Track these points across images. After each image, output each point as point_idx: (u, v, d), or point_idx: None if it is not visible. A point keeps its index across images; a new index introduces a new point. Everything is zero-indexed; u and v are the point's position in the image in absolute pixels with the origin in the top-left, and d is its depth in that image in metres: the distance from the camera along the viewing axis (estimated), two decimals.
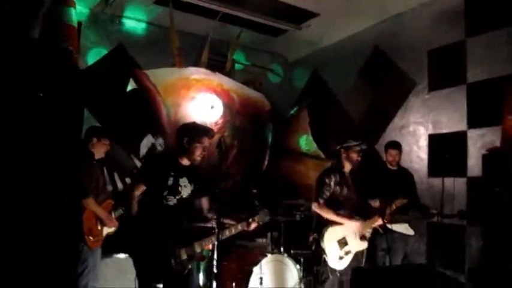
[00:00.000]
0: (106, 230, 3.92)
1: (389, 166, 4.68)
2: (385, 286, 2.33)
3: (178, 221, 3.33)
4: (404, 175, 4.74)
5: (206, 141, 3.31)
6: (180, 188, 3.29)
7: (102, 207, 3.88)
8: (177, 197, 3.28)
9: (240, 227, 3.46)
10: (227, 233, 3.38)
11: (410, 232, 4.43)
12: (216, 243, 3.25)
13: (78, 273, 3.65)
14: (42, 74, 2.62)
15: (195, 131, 3.36)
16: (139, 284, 3.27)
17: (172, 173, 3.27)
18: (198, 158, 3.33)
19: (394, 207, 3.93)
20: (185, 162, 3.36)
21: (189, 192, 3.36)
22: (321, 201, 3.81)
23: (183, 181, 3.33)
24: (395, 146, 4.76)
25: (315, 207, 3.84)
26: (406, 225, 4.38)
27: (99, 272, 4.00)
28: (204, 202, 3.52)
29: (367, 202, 3.99)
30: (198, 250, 3.32)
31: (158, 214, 3.23)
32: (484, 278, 4.04)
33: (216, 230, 3.18)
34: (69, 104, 2.66)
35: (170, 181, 3.25)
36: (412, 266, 4.05)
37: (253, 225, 3.53)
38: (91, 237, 3.75)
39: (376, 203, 4.03)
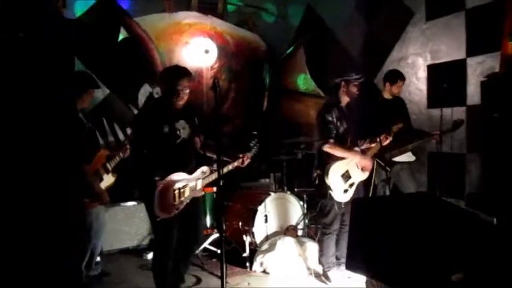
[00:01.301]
0: (105, 184, 3.71)
1: (386, 96, 4.58)
2: (384, 214, 2.38)
3: (185, 160, 3.41)
4: (398, 102, 4.66)
5: (185, 83, 3.31)
6: (178, 132, 3.33)
7: (96, 160, 3.63)
8: (178, 141, 3.33)
9: (235, 164, 3.57)
10: (225, 170, 3.45)
11: (412, 158, 4.48)
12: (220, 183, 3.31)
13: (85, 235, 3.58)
14: (23, 16, 2.52)
15: (177, 73, 3.36)
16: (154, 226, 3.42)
17: (166, 119, 3.30)
18: (184, 99, 3.35)
19: (391, 133, 3.90)
20: (177, 105, 3.37)
21: (188, 133, 3.41)
22: (332, 140, 3.77)
23: (180, 124, 3.37)
24: (402, 77, 4.59)
25: (327, 147, 3.76)
26: (409, 153, 4.43)
27: (108, 217, 4.08)
28: (196, 140, 3.58)
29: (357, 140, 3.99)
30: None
31: (165, 157, 3.30)
32: (483, 202, 4.15)
33: (216, 168, 3.23)
34: (57, 52, 2.60)
35: (166, 128, 3.27)
36: (412, 194, 4.12)
37: (246, 161, 3.63)
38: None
39: (364, 144, 4.00)
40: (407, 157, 4.43)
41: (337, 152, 3.77)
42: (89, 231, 3.59)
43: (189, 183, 3.35)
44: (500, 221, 3.54)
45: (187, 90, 3.33)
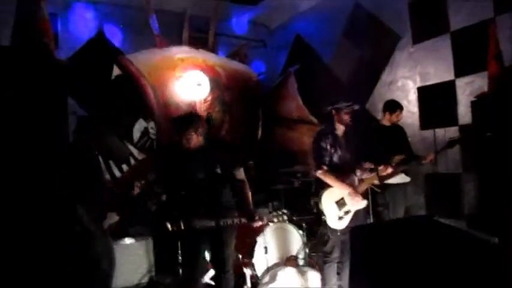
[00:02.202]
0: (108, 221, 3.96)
1: (385, 123, 4.66)
2: (384, 241, 2.35)
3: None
4: (398, 130, 4.74)
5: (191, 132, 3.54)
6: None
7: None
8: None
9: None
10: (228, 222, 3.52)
11: (407, 179, 4.46)
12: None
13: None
14: (21, 75, 2.58)
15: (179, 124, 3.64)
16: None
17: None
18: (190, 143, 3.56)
19: (392, 164, 3.96)
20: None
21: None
22: (324, 167, 3.79)
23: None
24: (401, 107, 4.71)
25: (319, 174, 3.80)
26: (402, 174, 4.40)
27: None
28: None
29: (360, 163, 3.98)
30: None
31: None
32: (483, 222, 4.13)
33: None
34: (51, 97, 2.64)
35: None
36: (411, 218, 4.10)
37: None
38: None
39: (368, 165, 4.01)
40: (400, 178, 4.40)
41: (328, 179, 3.77)
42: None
43: None
44: (502, 241, 3.51)
45: (190, 136, 3.53)
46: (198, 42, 6.20)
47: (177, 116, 4.12)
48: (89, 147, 3.84)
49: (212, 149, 3.65)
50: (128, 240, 4.80)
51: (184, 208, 3.44)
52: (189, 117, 3.73)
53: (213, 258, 3.64)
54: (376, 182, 3.88)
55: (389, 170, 3.92)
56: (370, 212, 4.10)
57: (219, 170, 3.52)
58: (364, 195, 3.88)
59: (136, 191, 3.93)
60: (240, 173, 3.70)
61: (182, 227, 3.35)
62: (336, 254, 3.84)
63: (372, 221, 4.14)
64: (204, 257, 3.61)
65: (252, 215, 3.57)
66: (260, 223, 3.63)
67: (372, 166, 3.92)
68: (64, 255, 3.58)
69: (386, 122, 4.67)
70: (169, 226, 3.34)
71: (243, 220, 3.52)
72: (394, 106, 4.67)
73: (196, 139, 3.57)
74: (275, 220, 3.84)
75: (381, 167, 3.84)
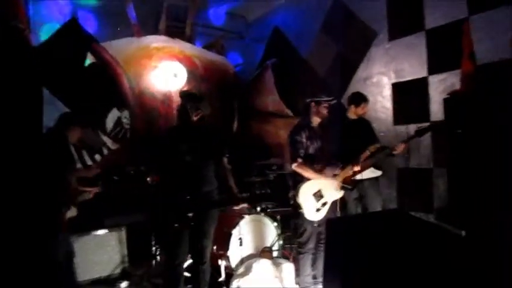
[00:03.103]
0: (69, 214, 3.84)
1: (351, 117, 4.64)
2: (357, 233, 2.41)
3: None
4: (364, 123, 4.74)
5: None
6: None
7: (68, 192, 3.81)
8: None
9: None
10: None
11: (378, 173, 4.48)
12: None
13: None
14: None
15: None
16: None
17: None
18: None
19: (368, 153, 4.01)
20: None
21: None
22: (300, 160, 3.82)
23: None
24: (366, 99, 4.68)
25: (295, 167, 3.84)
26: (372, 168, 4.38)
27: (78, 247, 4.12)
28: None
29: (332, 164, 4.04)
30: None
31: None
32: (451, 216, 4.25)
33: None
34: (26, 84, 2.56)
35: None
36: (384, 211, 4.19)
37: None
38: None
39: (337, 170, 4.01)
40: (371, 172, 4.40)
41: (304, 172, 3.81)
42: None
43: None
44: (469, 234, 3.63)
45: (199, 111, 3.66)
46: (175, 32, 6.13)
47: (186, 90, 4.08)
48: (62, 136, 3.76)
49: (206, 132, 3.67)
50: (100, 231, 4.75)
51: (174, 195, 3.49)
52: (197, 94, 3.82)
53: (190, 248, 3.60)
54: (350, 174, 3.94)
55: (356, 168, 3.96)
56: (338, 206, 4.14)
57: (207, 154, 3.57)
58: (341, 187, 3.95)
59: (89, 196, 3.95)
60: (224, 161, 3.74)
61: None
62: (311, 245, 3.89)
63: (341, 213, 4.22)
64: (185, 244, 3.59)
65: (237, 197, 3.61)
66: (244, 205, 3.68)
67: (340, 165, 3.98)
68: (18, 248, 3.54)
69: (352, 115, 4.62)
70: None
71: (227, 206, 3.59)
72: (359, 99, 4.63)
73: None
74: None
75: (349, 166, 3.92)
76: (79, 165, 4.96)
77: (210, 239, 3.60)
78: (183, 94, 3.79)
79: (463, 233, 3.68)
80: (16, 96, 2.51)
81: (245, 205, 3.81)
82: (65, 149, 3.85)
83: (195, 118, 3.60)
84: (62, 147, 3.82)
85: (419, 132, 4.19)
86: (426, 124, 4.48)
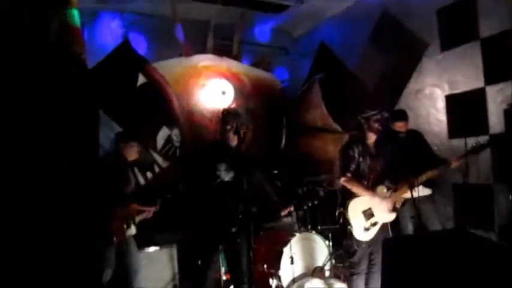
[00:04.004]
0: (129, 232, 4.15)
1: (398, 132, 4.50)
2: (416, 254, 2.30)
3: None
4: (413, 138, 4.58)
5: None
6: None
7: (128, 211, 4.11)
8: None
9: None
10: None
11: (427, 192, 4.29)
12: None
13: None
14: (56, 82, 2.62)
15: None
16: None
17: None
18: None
19: (424, 177, 3.86)
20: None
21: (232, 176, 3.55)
22: (349, 174, 3.74)
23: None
24: (401, 117, 4.53)
25: (343, 181, 3.75)
26: (421, 187, 4.06)
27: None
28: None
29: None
30: None
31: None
32: None
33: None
34: (84, 107, 2.67)
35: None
36: (443, 230, 4.00)
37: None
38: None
39: (386, 191, 3.79)
40: (422, 189, 4.12)
41: (353, 187, 3.71)
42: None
43: None
44: None
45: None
46: (222, 50, 6.23)
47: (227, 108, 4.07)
48: (120, 157, 3.91)
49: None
50: (152, 248, 4.82)
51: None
52: (238, 112, 3.78)
53: (230, 269, 3.62)
54: (407, 195, 3.76)
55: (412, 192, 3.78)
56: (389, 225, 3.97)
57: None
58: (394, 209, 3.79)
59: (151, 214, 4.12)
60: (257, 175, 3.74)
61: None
62: (363, 266, 3.76)
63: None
64: (218, 261, 3.60)
65: (277, 204, 3.59)
66: (288, 209, 3.64)
67: (390, 186, 3.81)
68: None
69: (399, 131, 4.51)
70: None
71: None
72: (398, 117, 4.53)
73: (239, 137, 3.56)
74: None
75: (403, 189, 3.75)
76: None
77: (248, 258, 3.52)
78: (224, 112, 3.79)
79: None
80: (76, 118, 2.62)
81: (290, 209, 3.76)
82: (124, 169, 4.00)
83: (241, 135, 3.56)
84: (122, 167, 3.99)
85: (476, 149, 3.99)
86: (484, 138, 4.24)
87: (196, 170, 3.68)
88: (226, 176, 3.48)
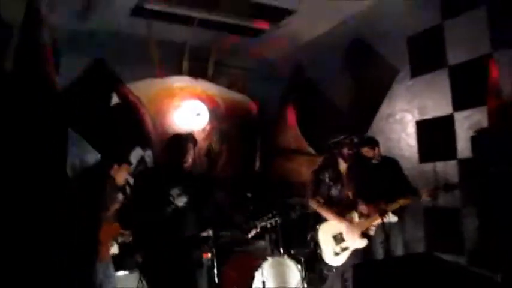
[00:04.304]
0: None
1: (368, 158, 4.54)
2: (386, 278, 2.31)
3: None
4: (387, 165, 4.64)
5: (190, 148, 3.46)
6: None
7: (111, 229, 4.00)
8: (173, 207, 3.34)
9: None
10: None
11: (394, 219, 4.25)
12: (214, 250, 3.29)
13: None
14: (21, 104, 2.55)
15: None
16: None
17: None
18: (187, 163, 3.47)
19: (397, 205, 3.85)
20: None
21: (185, 201, 3.38)
22: (318, 198, 3.75)
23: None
24: (369, 143, 4.58)
25: (312, 204, 3.77)
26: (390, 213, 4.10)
27: None
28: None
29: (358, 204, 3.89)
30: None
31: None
32: (484, 259, 4.06)
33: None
34: (51, 127, 2.61)
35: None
36: (415, 255, 4.02)
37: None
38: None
39: (364, 209, 3.84)
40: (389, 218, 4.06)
41: (323, 212, 3.72)
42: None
43: None
44: (505, 279, 3.44)
45: (189, 154, 3.47)
46: (197, 72, 6.24)
47: (174, 135, 3.92)
48: (107, 178, 3.83)
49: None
50: (120, 272, 4.68)
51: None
52: (188, 135, 3.67)
53: None
54: (378, 222, 3.76)
55: (384, 219, 3.78)
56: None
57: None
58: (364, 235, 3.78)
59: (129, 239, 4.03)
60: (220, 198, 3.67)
61: None
62: None
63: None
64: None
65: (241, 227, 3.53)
66: (254, 232, 3.59)
67: (366, 211, 3.81)
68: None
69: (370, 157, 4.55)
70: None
71: None
72: (366, 142, 4.58)
73: (192, 159, 3.46)
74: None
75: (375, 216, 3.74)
76: None
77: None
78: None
79: (499, 277, 3.50)
80: (41, 137, 2.56)
81: (256, 230, 3.72)
82: (113, 189, 3.91)
83: (185, 161, 3.44)
84: (111, 187, 3.90)
85: (448, 188, 4.04)
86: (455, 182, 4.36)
87: (149, 195, 3.40)
88: (180, 201, 3.35)
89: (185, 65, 6.14)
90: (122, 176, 4.15)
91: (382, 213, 3.65)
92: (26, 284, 3.07)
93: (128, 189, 5.32)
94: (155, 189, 3.31)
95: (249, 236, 3.58)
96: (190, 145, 3.46)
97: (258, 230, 4.03)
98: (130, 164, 4.24)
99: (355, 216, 3.79)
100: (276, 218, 3.81)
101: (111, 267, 3.96)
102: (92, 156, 4.88)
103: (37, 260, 3.20)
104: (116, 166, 4.09)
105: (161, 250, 3.24)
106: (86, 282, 3.56)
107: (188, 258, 3.33)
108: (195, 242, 3.41)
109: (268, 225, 3.80)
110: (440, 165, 4.71)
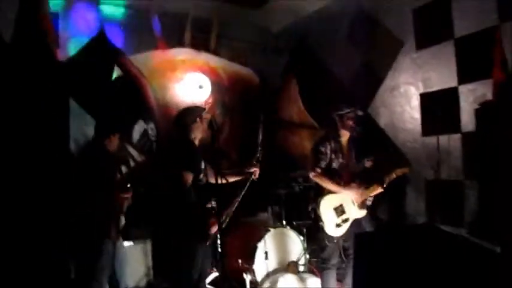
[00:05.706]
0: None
1: None
2: (387, 248, 2.33)
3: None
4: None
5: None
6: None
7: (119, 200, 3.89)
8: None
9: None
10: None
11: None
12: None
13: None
14: (21, 74, 2.53)
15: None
16: None
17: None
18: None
19: (394, 175, 3.88)
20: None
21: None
22: (318, 170, 3.78)
23: None
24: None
25: (312, 176, 3.81)
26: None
27: None
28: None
29: (363, 164, 3.93)
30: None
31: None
32: (484, 230, 4.10)
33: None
34: (52, 97, 2.60)
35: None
36: (417, 225, 4.06)
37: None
38: None
39: (369, 163, 3.93)
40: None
41: (324, 183, 3.74)
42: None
43: None
44: (504, 250, 3.48)
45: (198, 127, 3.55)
46: (199, 44, 6.17)
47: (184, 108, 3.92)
48: (103, 146, 3.80)
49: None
50: (125, 243, 4.75)
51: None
52: (198, 108, 3.70)
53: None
54: (378, 191, 3.82)
55: (381, 190, 3.84)
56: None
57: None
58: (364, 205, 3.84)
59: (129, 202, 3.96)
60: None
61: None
62: (334, 261, 3.80)
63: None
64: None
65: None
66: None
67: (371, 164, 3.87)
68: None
69: None
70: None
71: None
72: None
73: (203, 131, 3.53)
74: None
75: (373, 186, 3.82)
76: None
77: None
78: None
79: (498, 249, 3.54)
80: (43, 109, 2.55)
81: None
82: (109, 160, 3.88)
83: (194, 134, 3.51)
84: (107, 158, 3.88)
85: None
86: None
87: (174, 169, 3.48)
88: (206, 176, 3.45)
89: (187, 36, 6.05)
90: (111, 146, 4.06)
91: (380, 184, 3.73)
92: (35, 257, 3.11)
93: (131, 162, 5.38)
94: (192, 162, 3.40)
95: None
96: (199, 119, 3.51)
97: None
98: (122, 134, 4.15)
99: (355, 187, 3.83)
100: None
101: (121, 239, 3.96)
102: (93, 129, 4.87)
103: (42, 235, 3.24)
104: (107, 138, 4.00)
105: (178, 221, 3.35)
106: (96, 258, 3.57)
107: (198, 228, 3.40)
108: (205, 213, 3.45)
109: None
110: (443, 139, 4.69)
